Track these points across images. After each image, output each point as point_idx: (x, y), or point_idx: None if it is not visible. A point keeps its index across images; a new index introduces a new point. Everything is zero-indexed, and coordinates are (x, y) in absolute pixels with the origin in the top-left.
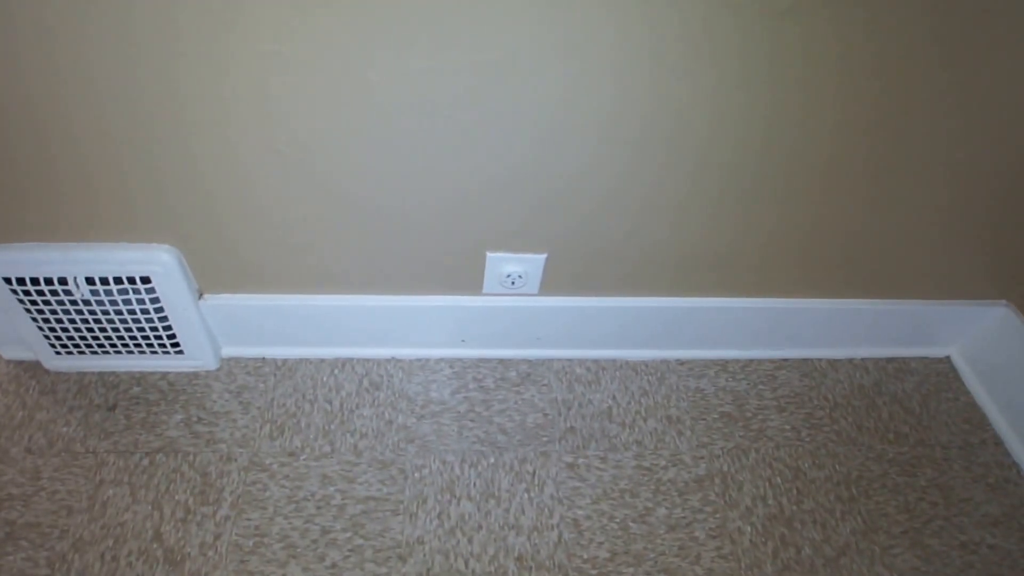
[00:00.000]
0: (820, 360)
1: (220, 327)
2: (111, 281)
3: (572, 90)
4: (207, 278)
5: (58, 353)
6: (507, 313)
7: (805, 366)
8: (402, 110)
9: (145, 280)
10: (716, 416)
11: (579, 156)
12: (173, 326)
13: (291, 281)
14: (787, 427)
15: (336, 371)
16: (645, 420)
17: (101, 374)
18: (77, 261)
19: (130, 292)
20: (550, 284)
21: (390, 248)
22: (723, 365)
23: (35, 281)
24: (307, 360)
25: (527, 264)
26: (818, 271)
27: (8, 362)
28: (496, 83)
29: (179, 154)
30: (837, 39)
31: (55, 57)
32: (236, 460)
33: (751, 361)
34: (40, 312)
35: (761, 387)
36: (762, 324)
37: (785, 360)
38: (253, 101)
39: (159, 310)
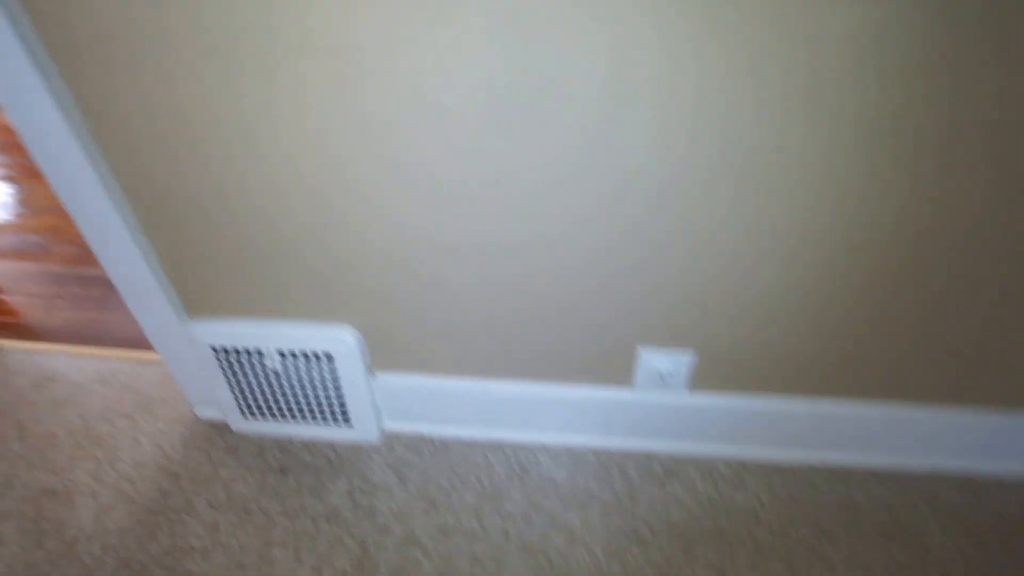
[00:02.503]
0: (986, 476)
1: (385, 403)
2: (299, 355)
3: (734, 210)
4: (378, 357)
5: (244, 416)
6: (655, 408)
7: (970, 483)
8: (582, 223)
9: (328, 357)
10: (872, 529)
11: (734, 263)
12: (346, 400)
13: (453, 364)
14: (953, 548)
15: (488, 453)
16: (795, 528)
17: (278, 439)
18: (272, 336)
19: (314, 366)
20: (700, 381)
21: (547, 338)
22: (874, 473)
23: (236, 351)
24: (462, 440)
25: (678, 361)
26: (987, 376)
27: (201, 420)
28: (658, 212)
29: (359, 244)
30: None
31: (266, 159)
32: (392, 533)
33: (906, 471)
34: (236, 378)
35: (918, 500)
36: (921, 431)
37: (943, 471)
38: (425, 199)
39: (336, 384)
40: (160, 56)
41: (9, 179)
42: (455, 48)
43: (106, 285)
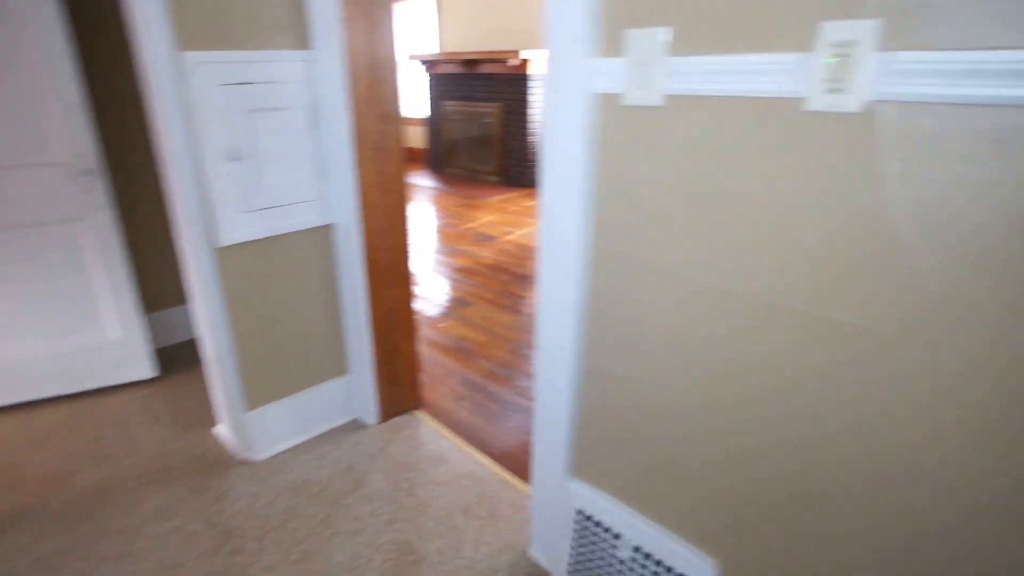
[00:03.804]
0: None
1: None
2: (651, 559)
3: None
4: None
5: None
6: None
7: None
8: None
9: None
10: None
11: None
12: None
13: None
14: None
15: None
16: None
17: None
18: (638, 530)
19: (659, 574)
20: None
21: None
22: None
23: (597, 523)
24: None
25: None
26: None
27: (528, 558)
28: None
29: (745, 476)
30: None
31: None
32: None
33: None
34: (581, 545)
35: None
36: None
37: None
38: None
39: None
40: None
41: (463, 297)
42: None
43: (502, 404)
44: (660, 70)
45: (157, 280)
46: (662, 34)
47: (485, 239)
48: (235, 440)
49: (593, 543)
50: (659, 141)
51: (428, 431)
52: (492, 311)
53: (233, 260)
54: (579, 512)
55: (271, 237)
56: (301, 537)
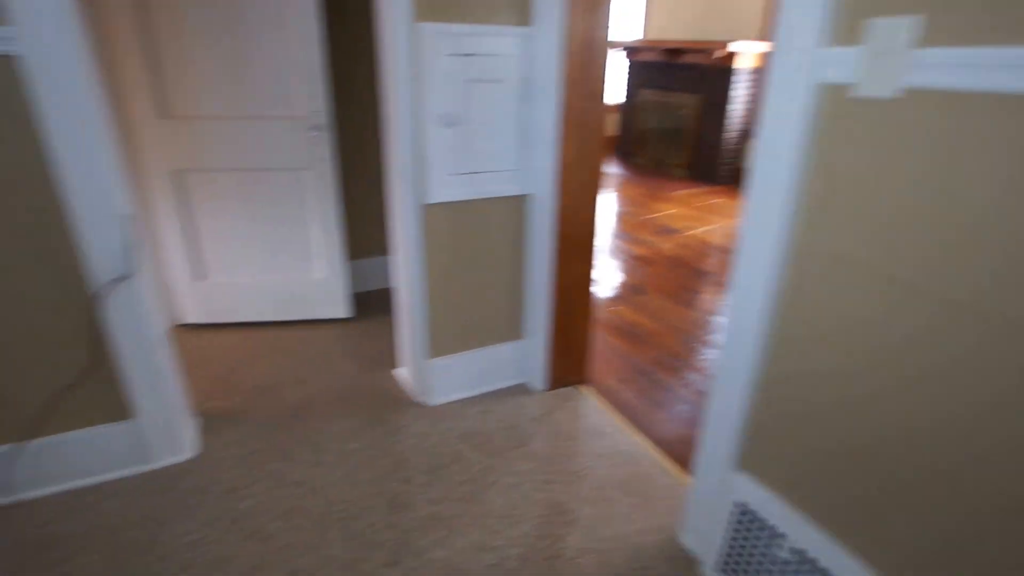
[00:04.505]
0: None
1: None
2: (816, 565)
3: None
4: None
5: (718, 571)
6: None
7: None
8: None
9: None
10: None
11: None
12: None
13: None
14: None
15: None
16: None
17: None
18: (807, 535)
19: None
20: None
21: None
22: None
23: (759, 521)
24: None
25: None
26: None
27: (677, 543)
28: None
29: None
30: None
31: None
32: None
33: None
34: (737, 538)
35: None
36: None
37: None
38: None
39: None
40: None
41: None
42: None
43: (666, 393)
44: (902, 61)
45: (359, 231)
46: (909, 23)
47: (666, 231)
48: (413, 383)
49: (751, 538)
50: (890, 136)
51: (591, 406)
52: (666, 302)
53: (436, 217)
54: (739, 505)
55: (471, 200)
56: (464, 479)
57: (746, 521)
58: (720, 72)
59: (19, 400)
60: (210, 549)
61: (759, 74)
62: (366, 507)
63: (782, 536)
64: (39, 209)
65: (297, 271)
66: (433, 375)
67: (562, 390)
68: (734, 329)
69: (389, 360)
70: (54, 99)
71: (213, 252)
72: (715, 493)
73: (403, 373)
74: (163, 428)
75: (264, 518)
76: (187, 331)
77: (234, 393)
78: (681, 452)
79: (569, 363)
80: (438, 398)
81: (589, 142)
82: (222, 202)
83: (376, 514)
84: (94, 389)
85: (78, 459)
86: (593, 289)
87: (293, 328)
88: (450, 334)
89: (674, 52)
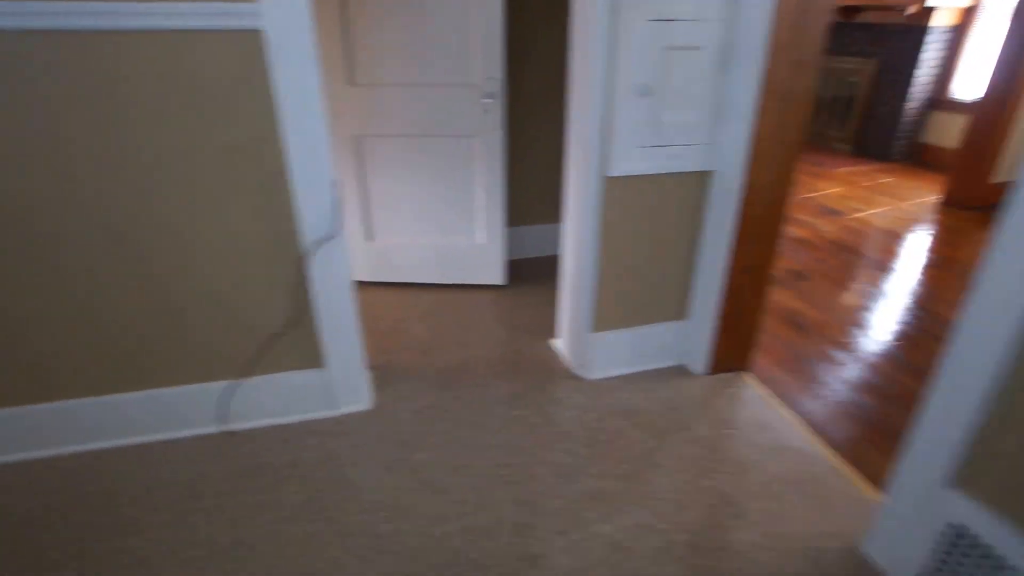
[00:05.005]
0: None
1: None
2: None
3: None
4: None
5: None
6: None
7: None
8: None
9: None
10: None
11: None
12: None
13: None
14: None
15: None
16: None
17: None
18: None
19: None
20: None
21: None
22: None
23: (979, 547)
24: None
25: None
26: None
27: (859, 554)
28: None
29: None
30: None
31: None
32: None
33: None
34: (949, 562)
35: None
36: None
37: None
38: None
39: None
40: None
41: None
42: None
43: (836, 390)
44: None
45: (517, 199)
46: None
47: (829, 212)
48: (571, 355)
49: (967, 565)
50: None
51: (754, 395)
52: (832, 289)
53: (615, 191)
54: (955, 527)
55: (653, 175)
56: (626, 457)
57: (963, 546)
58: (906, 32)
59: (239, 344)
60: (392, 496)
61: (957, 33)
62: (532, 474)
63: (1012, 569)
64: (270, 173)
65: (458, 235)
66: (594, 349)
67: (723, 375)
68: (973, 328)
69: (544, 330)
70: (285, 70)
71: (382, 214)
72: (917, 508)
73: (560, 344)
74: (347, 378)
75: (440, 472)
76: (355, 289)
77: (401, 350)
78: (855, 454)
79: (733, 348)
80: (596, 372)
81: (789, 116)
82: (393, 167)
83: (542, 482)
84: (295, 338)
85: (279, 399)
86: (771, 274)
87: (449, 291)
88: (614, 309)
89: (850, 11)
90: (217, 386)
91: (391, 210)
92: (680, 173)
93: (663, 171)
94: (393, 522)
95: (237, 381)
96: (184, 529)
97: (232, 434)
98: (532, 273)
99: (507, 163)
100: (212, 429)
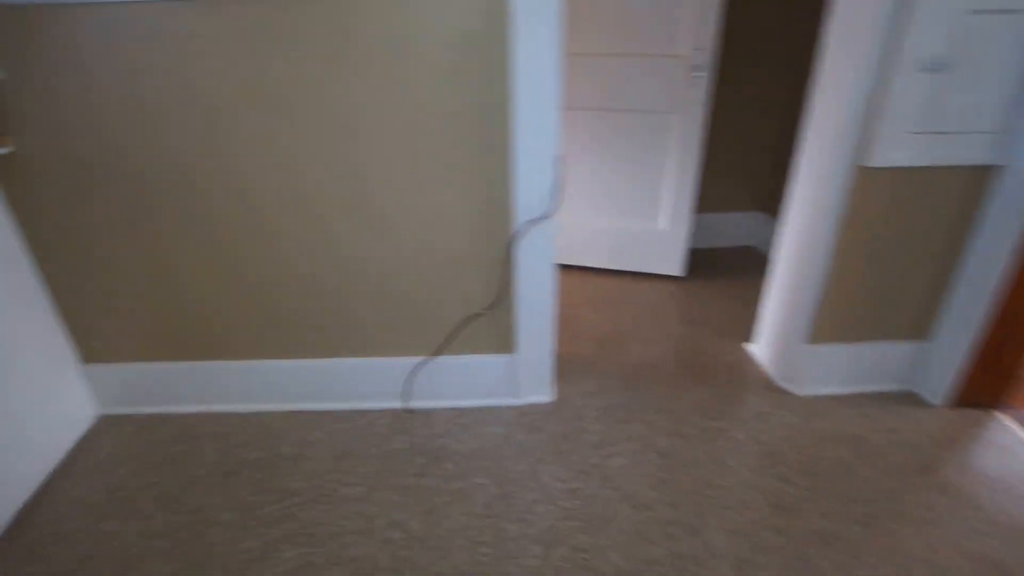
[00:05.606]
0: None
1: None
2: None
3: None
4: None
5: None
6: None
7: None
8: None
9: None
10: None
11: None
12: None
13: None
14: None
15: None
16: None
17: None
18: None
19: None
20: None
21: None
22: None
23: None
24: None
25: None
26: None
27: None
28: None
29: None
30: None
31: None
32: None
33: None
34: None
35: None
36: None
37: None
38: None
39: None
40: None
41: None
42: None
43: None
44: None
45: (706, 183)
46: None
47: None
48: (774, 365)
49: None
50: None
51: (1016, 440)
52: None
53: (869, 183)
54: None
55: (922, 167)
56: (858, 497)
57: None
58: None
59: (437, 323)
60: (588, 504)
61: None
62: (744, 500)
63: None
64: (491, 146)
65: (639, 219)
66: (807, 362)
67: (968, 410)
68: None
69: (731, 330)
70: (526, 29)
71: (564, 193)
72: None
73: (758, 350)
74: (534, 367)
75: (639, 484)
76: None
77: (581, 340)
78: None
79: (990, 380)
80: (805, 388)
81: None
82: (579, 141)
83: (757, 511)
84: (491, 320)
85: (462, 381)
86: None
87: (622, 279)
88: (838, 320)
89: None
90: (409, 361)
91: (573, 189)
92: (952, 167)
93: (937, 163)
94: (592, 535)
95: (429, 358)
96: (374, 506)
97: (412, 412)
98: (714, 265)
99: (704, 143)
100: (396, 404)
